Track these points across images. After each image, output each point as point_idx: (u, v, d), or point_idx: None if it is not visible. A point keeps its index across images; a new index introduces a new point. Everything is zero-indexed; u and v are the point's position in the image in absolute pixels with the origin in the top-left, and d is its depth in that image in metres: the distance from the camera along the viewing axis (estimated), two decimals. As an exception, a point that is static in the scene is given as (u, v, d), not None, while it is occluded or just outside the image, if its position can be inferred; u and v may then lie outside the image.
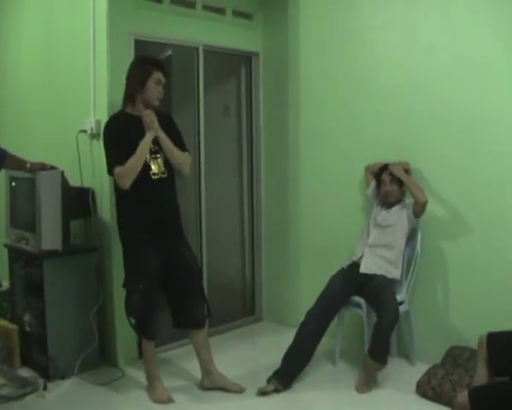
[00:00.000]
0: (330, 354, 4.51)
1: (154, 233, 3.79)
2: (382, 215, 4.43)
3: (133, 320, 3.89)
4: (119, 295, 4.25)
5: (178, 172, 3.92)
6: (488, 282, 4.15)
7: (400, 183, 4.39)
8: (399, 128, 4.54)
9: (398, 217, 4.37)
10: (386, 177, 4.42)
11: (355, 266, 4.36)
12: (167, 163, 3.82)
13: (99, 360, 4.43)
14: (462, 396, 2.70)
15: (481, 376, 2.97)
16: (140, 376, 4.21)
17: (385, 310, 4.02)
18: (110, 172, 3.76)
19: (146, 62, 3.81)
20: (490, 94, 4.08)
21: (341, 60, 4.89)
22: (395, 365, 4.42)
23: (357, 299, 4.27)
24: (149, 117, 3.70)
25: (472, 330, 4.14)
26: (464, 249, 4.29)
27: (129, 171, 3.63)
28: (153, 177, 3.75)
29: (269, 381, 4.05)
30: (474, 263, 4.24)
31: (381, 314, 4.03)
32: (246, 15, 5.28)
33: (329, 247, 5.01)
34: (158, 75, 3.76)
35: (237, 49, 5.23)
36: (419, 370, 4.18)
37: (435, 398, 3.83)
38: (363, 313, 4.25)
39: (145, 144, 3.69)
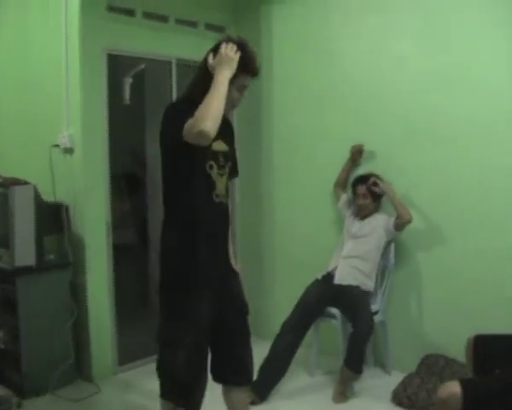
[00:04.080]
0: (307, 364, 4.52)
1: (211, 271, 2.87)
2: (356, 226, 4.47)
3: (171, 384, 2.86)
4: (93, 310, 4.25)
5: None
6: (462, 291, 4.20)
7: (374, 197, 4.43)
8: (371, 138, 4.58)
9: (373, 228, 4.41)
10: (360, 190, 4.45)
11: (329, 277, 4.37)
12: (228, 185, 2.99)
13: (75, 375, 4.39)
14: (453, 386, 2.69)
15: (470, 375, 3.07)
16: (116, 391, 4.19)
17: (360, 320, 4.05)
18: (176, 139, 2.62)
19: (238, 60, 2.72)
20: (460, 104, 4.14)
21: (313, 71, 4.93)
22: (371, 374, 4.46)
23: (332, 310, 4.29)
24: (230, 50, 2.68)
25: (447, 338, 4.24)
26: (438, 259, 4.33)
27: (209, 110, 2.54)
28: (215, 199, 2.84)
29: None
30: (447, 273, 4.28)
31: (356, 325, 4.06)
32: (218, 28, 5.29)
33: (304, 259, 5.01)
34: (246, 82, 2.82)
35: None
36: (395, 379, 4.21)
37: (411, 406, 3.87)
38: (338, 323, 4.27)
39: (222, 82, 2.62)
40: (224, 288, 2.92)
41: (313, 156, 4.97)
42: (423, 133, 4.33)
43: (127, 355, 4.71)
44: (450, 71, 4.18)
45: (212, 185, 2.81)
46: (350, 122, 4.72)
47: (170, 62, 4.91)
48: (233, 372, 3.02)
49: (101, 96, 4.41)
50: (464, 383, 2.72)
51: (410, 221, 4.28)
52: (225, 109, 2.71)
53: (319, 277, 4.42)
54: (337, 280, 4.33)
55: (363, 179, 4.47)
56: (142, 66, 5.24)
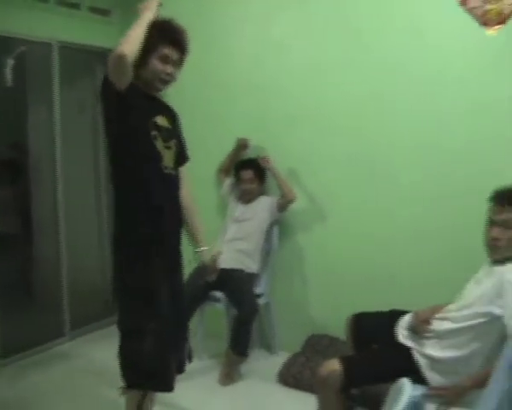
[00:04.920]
0: (194, 349, 4.53)
1: (164, 248, 2.86)
2: (240, 210, 4.53)
3: (139, 371, 2.78)
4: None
5: None
6: (344, 271, 4.35)
7: (259, 180, 4.49)
8: (254, 124, 4.67)
9: (256, 211, 4.48)
10: (246, 175, 4.50)
11: (213, 261, 4.40)
12: (177, 158, 2.96)
13: None
14: (332, 363, 2.84)
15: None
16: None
17: (243, 304, 4.12)
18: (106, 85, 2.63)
19: (155, 31, 2.72)
20: (340, 89, 4.27)
21: (198, 56, 4.87)
22: (257, 356, 4.55)
23: (217, 294, 4.31)
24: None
25: (331, 318, 4.36)
26: (320, 241, 4.47)
27: (125, 37, 2.53)
28: (164, 170, 2.83)
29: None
30: (329, 254, 4.43)
31: (240, 308, 4.12)
32: (102, 11, 5.18)
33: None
34: (166, 50, 2.78)
35: (93, 45, 5.11)
36: (281, 360, 4.31)
37: (296, 385, 3.99)
38: (223, 307, 4.32)
39: (140, 19, 2.65)
40: (173, 267, 2.93)
41: (199, 142, 4.95)
42: (305, 118, 4.44)
43: (11, 348, 4.56)
44: (329, 57, 4.30)
45: (158, 156, 2.79)
46: (233, 107, 4.77)
47: (51, 45, 4.76)
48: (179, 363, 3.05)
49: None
50: (343, 361, 2.85)
51: (293, 200, 4.38)
52: (154, 84, 2.81)
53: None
54: (221, 264, 4.35)
55: (247, 164, 4.53)
56: (23, 48, 5.05)
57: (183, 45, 2.88)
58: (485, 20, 3.59)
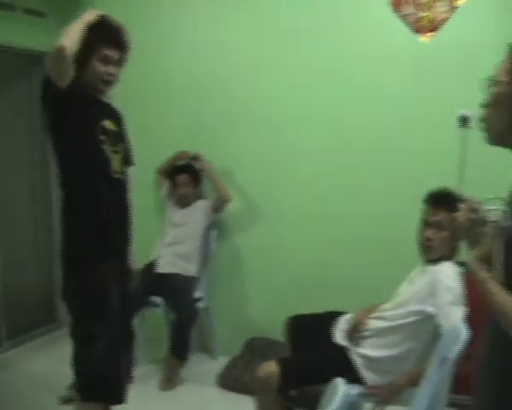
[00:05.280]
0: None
1: (114, 252, 2.89)
2: (178, 214, 4.52)
3: (92, 380, 2.78)
4: None
5: None
6: (282, 274, 4.40)
7: (195, 183, 4.49)
8: (196, 127, 4.63)
9: (193, 215, 4.48)
10: (181, 179, 4.50)
11: (151, 266, 4.39)
12: (125, 162, 2.96)
13: None
14: (270, 365, 2.89)
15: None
16: None
17: (182, 308, 4.12)
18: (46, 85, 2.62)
19: (94, 31, 2.68)
20: (277, 94, 4.32)
21: (142, 60, 4.84)
22: (198, 360, 4.54)
23: (156, 299, 4.28)
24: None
25: (270, 320, 4.38)
26: (258, 243, 4.50)
27: (63, 34, 2.52)
28: (113, 175, 2.82)
29: (72, 388, 3.93)
30: (268, 256, 4.47)
31: (179, 312, 4.12)
32: (38, 13, 5.07)
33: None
34: (106, 51, 2.74)
35: (29, 48, 5.01)
36: (221, 363, 4.33)
37: (236, 388, 4.01)
38: (162, 312, 4.30)
39: (81, 19, 2.63)
40: (123, 273, 2.95)
41: (139, 143, 4.90)
42: (243, 118, 4.46)
43: None
44: (266, 57, 4.34)
45: (106, 160, 2.77)
46: (174, 110, 4.73)
47: (-17, 47, 4.65)
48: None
49: None
50: (280, 362, 2.88)
51: (228, 201, 4.42)
52: (97, 86, 2.77)
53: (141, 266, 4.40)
54: (159, 269, 4.36)
55: (182, 169, 4.53)
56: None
57: (123, 44, 2.85)
58: (418, 27, 3.70)
